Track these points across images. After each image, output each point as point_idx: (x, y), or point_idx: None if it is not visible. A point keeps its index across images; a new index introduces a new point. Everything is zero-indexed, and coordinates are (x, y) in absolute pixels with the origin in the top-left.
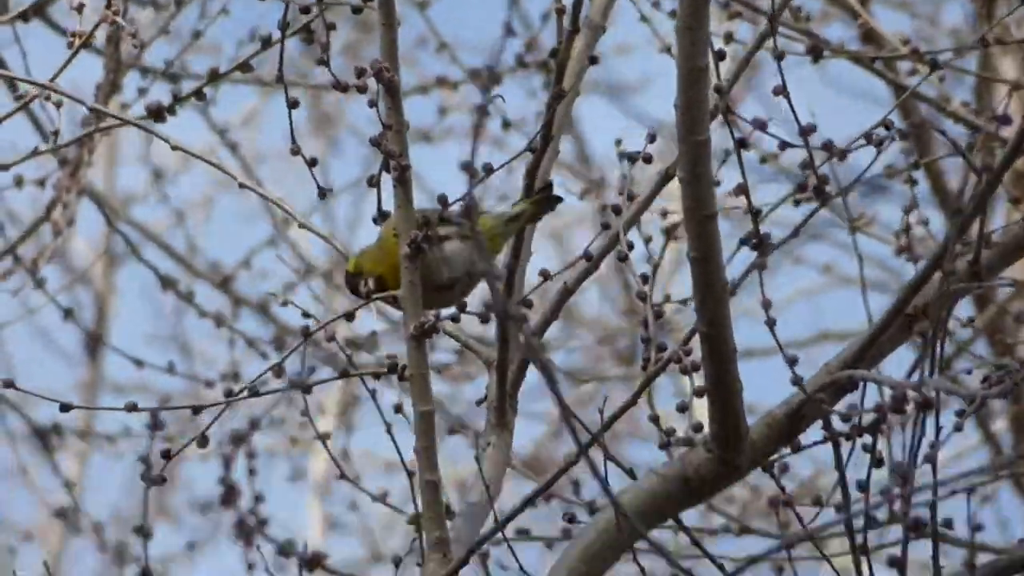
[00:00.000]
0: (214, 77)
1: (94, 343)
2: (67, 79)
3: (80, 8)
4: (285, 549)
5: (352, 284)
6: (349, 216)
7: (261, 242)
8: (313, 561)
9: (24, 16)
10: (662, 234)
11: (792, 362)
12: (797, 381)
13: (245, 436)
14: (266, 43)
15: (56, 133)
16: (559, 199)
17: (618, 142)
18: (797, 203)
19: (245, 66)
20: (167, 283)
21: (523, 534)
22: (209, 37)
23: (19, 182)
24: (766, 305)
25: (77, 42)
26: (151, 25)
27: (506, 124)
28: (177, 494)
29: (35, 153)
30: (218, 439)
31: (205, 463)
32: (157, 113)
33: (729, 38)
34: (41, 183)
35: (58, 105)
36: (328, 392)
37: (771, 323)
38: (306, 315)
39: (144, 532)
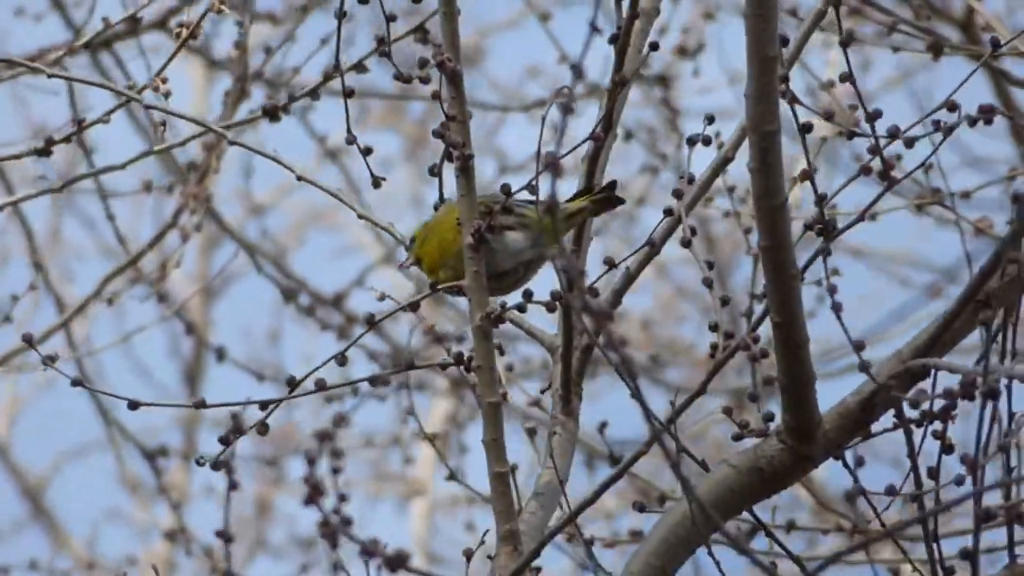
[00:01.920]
0: (329, 77)
1: (195, 373)
2: (201, 93)
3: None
4: (369, 548)
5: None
6: None
7: (375, 261)
8: (396, 561)
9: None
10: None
11: (859, 347)
12: (865, 367)
13: (330, 433)
14: (381, 42)
15: (164, 124)
16: (620, 200)
17: (710, 118)
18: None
19: (360, 66)
20: (289, 296)
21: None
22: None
23: (148, 187)
24: (831, 290)
25: (184, 33)
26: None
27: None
28: (278, 529)
29: (146, 154)
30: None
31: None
32: (272, 113)
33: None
34: (170, 188)
35: (167, 95)
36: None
37: (837, 308)
38: (404, 309)
39: (225, 537)
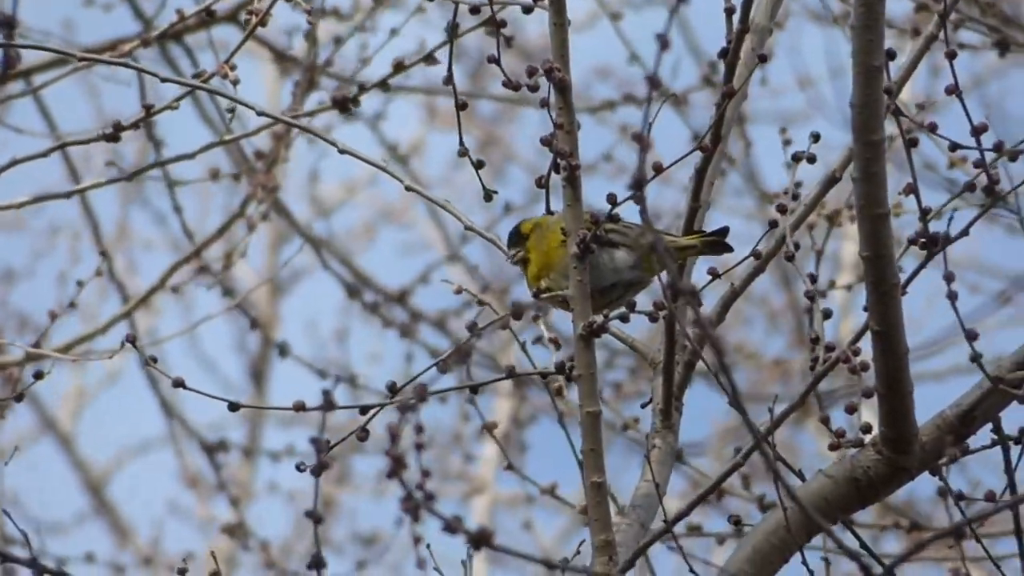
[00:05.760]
0: (399, 68)
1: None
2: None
3: None
4: (452, 525)
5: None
6: None
7: (438, 259)
8: (480, 538)
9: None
10: (824, 220)
11: (971, 337)
12: (976, 358)
13: (413, 406)
14: (453, 34)
15: (232, 111)
16: (729, 248)
17: (782, 130)
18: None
19: (430, 58)
20: (353, 292)
21: (695, 530)
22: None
23: (215, 175)
24: (948, 278)
25: (253, 20)
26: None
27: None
28: (340, 527)
29: (216, 144)
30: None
31: (364, 497)
32: (342, 104)
33: (916, 33)
34: (237, 177)
35: (235, 83)
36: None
37: (952, 296)
38: (481, 303)
39: (315, 518)
